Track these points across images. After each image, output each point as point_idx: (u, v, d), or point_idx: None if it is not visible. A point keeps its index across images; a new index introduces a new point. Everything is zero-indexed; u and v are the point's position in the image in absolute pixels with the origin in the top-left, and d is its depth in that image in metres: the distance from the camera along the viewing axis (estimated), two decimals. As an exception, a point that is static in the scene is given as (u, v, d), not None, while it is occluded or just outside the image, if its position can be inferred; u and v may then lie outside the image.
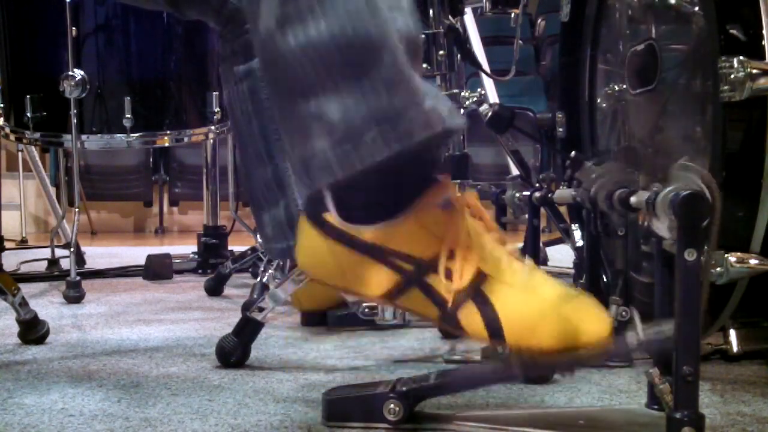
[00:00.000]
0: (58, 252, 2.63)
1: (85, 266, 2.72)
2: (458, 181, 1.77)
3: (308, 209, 0.90)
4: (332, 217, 0.88)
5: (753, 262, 1.08)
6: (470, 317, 0.84)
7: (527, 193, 1.55)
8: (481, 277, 0.85)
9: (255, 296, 1.74)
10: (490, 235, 0.88)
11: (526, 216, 1.57)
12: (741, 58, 1.05)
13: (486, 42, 2.65)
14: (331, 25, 0.81)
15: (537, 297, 0.84)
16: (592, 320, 0.84)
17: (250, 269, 2.41)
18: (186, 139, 2.32)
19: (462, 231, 0.86)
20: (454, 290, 0.85)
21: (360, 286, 0.88)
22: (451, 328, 0.86)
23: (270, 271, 1.81)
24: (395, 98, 0.83)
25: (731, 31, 1.09)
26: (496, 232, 0.88)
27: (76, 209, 2.26)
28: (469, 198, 0.88)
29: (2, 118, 2.26)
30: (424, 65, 1.61)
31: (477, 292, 0.85)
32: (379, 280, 0.87)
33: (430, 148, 0.87)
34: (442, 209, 0.86)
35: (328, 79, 0.83)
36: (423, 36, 0.86)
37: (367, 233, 0.87)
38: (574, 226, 1.54)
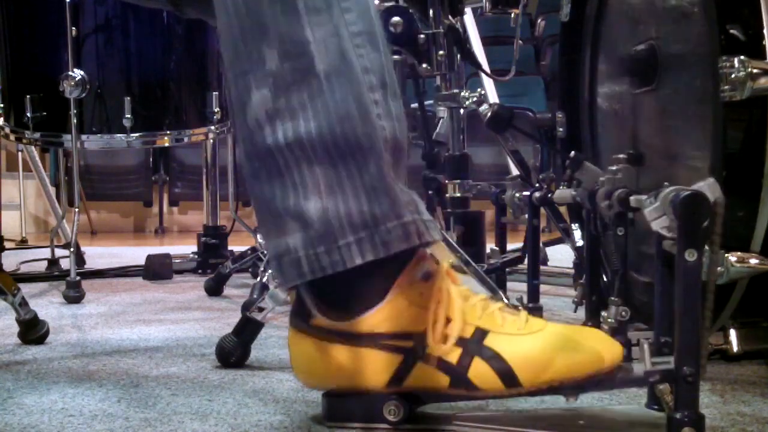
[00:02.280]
0: (58, 252, 2.63)
1: (85, 266, 2.72)
2: (458, 181, 1.77)
3: (294, 319, 0.90)
4: (319, 320, 0.88)
5: (753, 262, 1.08)
6: (481, 373, 0.84)
7: (527, 193, 1.55)
8: (481, 334, 0.85)
9: (255, 296, 1.74)
10: (476, 296, 0.88)
11: (526, 216, 1.57)
12: (741, 57, 1.05)
13: (486, 42, 2.66)
14: (322, 125, 0.82)
15: (542, 337, 0.85)
16: (603, 346, 0.84)
17: (250, 269, 2.41)
18: (186, 139, 2.32)
19: (449, 296, 0.86)
20: (459, 351, 0.85)
21: (364, 379, 0.87)
22: (465, 392, 0.86)
23: (270, 271, 1.80)
24: (375, 207, 0.83)
25: (731, 31, 1.09)
26: (477, 295, 0.89)
27: (76, 209, 2.26)
28: (445, 265, 0.88)
29: (2, 118, 2.26)
30: (424, 65, 1.61)
31: (481, 347, 0.85)
32: (381, 367, 0.86)
33: (404, 257, 0.87)
34: (424, 281, 0.87)
35: (310, 177, 0.83)
36: (407, 142, 0.86)
37: (358, 324, 0.87)
38: (574, 226, 1.54)
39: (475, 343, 0.85)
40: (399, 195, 0.84)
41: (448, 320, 0.86)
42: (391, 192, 0.84)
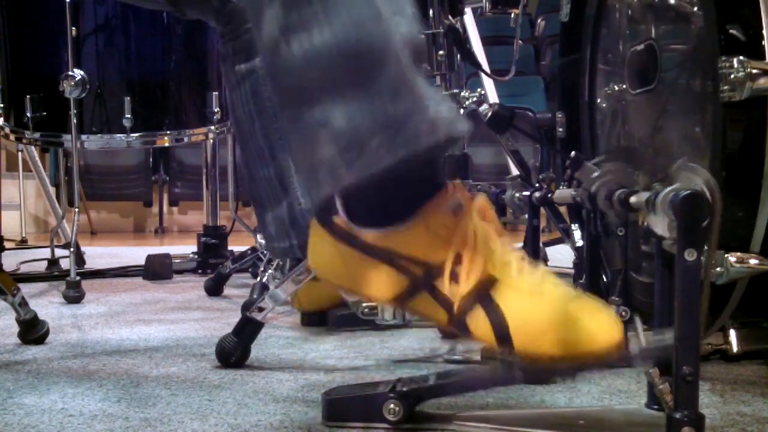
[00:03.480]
0: (58, 252, 2.63)
1: (85, 266, 2.72)
2: (458, 181, 1.77)
3: (318, 212, 0.91)
4: (342, 220, 0.88)
5: (753, 262, 1.08)
6: (478, 322, 0.84)
7: (527, 193, 1.55)
8: (489, 281, 0.85)
9: (255, 296, 1.74)
10: (501, 239, 0.87)
11: (526, 216, 1.57)
12: (741, 58, 1.05)
13: (486, 42, 2.65)
14: (336, 33, 0.82)
15: (546, 302, 0.84)
16: (603, 328, 0.83)
17: (250, 269, 2.41)
18: (186, 139, 2.32)
19: (470, 235, 0.86)
20: (461, 294, 0.84)
21: (369, 289, 0.88)
22: (459, 333, 0.85)
23: (270, 271, 1.81)
24: (399, 105, 0.83)
25: (731, 31, 1.09)
26: (506, 237, 0.88)
27: (76, 209, 2.26)
28: (479, 202, 0.88)
29: (2, 118, 2.26)
30: (425, 65, 1.61)
31: (485, 296, 0.84)
32: (388, 283, 0.87)
33: (436, 153, 0.87)
34: (452, 213, 0.86)
35: (332, 86, 0.83)
36: (424, 38, 0.86)
37: (376, 237, 0.87)
38: (574, 226, 1.54)
39: (481, 291, 0.85)
40: (422, 91, 0.84)
41: (461, 258, 0.85)
42: (414, 89, 0.83)
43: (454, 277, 0.85)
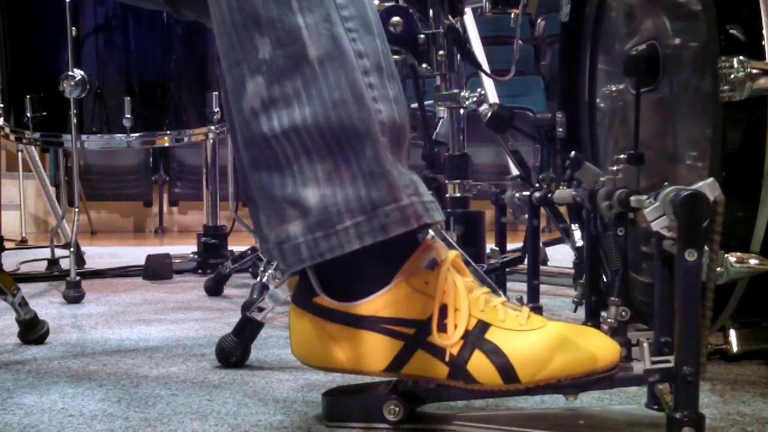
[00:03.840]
0: (58, 252, 2.63)
1: (85, 266, 2.73)
2: (458, 181, 1.77)
3: (297, 298, 0.90)
4: (323, 299, 0.88)
5: (753, 262, 1.08)
6: (481, 366, 0.84)
7: (527, 193, 1.55)
8: (483, 327, 0.85)
9: (255, 296, 1.74)
10: (480, 289, 0.88)
11: (526, 216, 1.57)
12: (741, 58, 1.05)
13: (486, 42, 2.66)
14: (317, 112, 0.82)
15: (542, 334, 0.85)
16: (602, 346, 0.84)
17: (250, 269, 2.41)
18: (186, 139, 2.32)
19: (453, 287, 0.86)
20: (457, 343, 0.85)
21: (363, 362, 0.88)
22: (463, 384, 0.85)
23: (270, 271, 1.80)
24: (373, 191, 0.83)
25: (731, 31, 1.09)
26: (483, 288, 0.89)
27: (76, 209, 2.26)
28: (453, 255, 0.88)
29: (2, 118, 2.26)
30: (424, 65, 1.61)
31: (482, 341, 0.85)
32: (381, 351, 0.87)
33: (405, 237, 0.87)
34: (429, 269, 0.87)
35: (307, 165, 0.83)
36: (404, 124, 0.86)
37: (361, 308, 0.87)
38: (574, 226, 1.54)
39: (476, 336, 0.85)
40: (397, 178, 0.84)
41: (447, 310, 0.86)
42: (389, 176, 0.84)
43: (443, 329, 0.86)
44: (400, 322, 0.86)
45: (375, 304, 0.87)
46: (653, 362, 0.82)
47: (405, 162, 0.87)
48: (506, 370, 0.84)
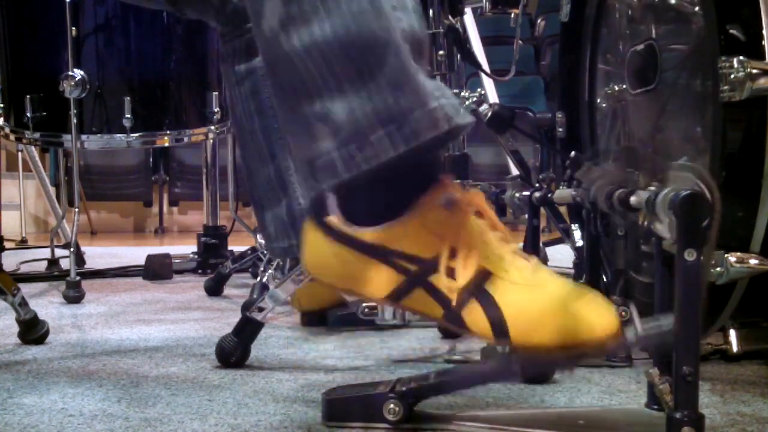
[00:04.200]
0: (58, 252, 2.63)
1: (85, 266, 2.73)
2: (458, 181, 1.77)
3: (312, 212, 0.90)
4: (335, 219, 0.88)
5: (753, 262, 1.08)
6: (475, 316, 0.84)
7: (527, 193, 1.55)
8: (484, 275, 0.85)
9: (255, 296, 1.74)
10: (494, 233, 0.87)
11: (526, 216, 1.57)
12: (741, 58, 1.05)
13: (486, 42, 2.66)
14: (335, 26, 0.82)
15: (541, 294, 0.84)
16: (599, 316, 0.83)
17: (250, 269, 2.41)
18: (186, 139, 2.32)
19: (464, 229, 0.86)
20: (456, 288, 0.84)
21: (364, 287, 0.88)
22: (455, 328, 0.85)
23: (270, 271, 1.81)
24: (401, 98, 0.83)
25: (731, 31, 1.09)
26: (501, 231, 0.88)
27: (76, 209, 2.26)
28: (474, 197, 0.88)
29: (2, 118, 2.26)
30: (425, 60, 1.61)
31: (481, 290, 0.84)
32: (382, 280, 0.87)
33: (436, 147, 0.87)
34: (445, 208, 0.86)
35: (332, 79, 0.83)
36: (426, 33, 0.86)
37: (369, 234, 0.87)
38: (574, 226, 1.54)
39: (476, 285, 0.84)
40: (423, 83, 0.84)
41: (456, 253, 0.85)
42: (415, 81, 0.83)
43: (449, 272, 0.85)
44: (405, 256, 0.86)
45: (382, 234, 0.86)
46: (645, 328, 0.81)
47: (426, 72, 0.86)
48: (499, 325, 0.83)
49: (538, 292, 0.84)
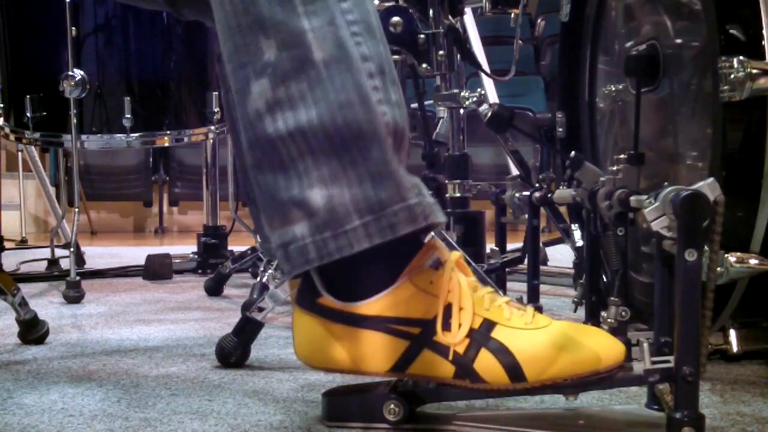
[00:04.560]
0: (58, 252, 2.63)
1: (85, 266, 2.72)
2: (458, 181, 1.78)
3: (300, 299, 0.90)
4: (327, 300, 0.88)
5: (753, 262, 1.08)
6: (487, 365, 0.85)
7: (527, 193, 1.55)
8: (489, 326, 0.86)
9: (255, 296, 1.74)
10: (485, 288, 0.89)
11: (526, 216, 1.57)
12: (741, 58, 1.05)
13: (486, 42, 2.66)
14: (322, 114, 0.82)
15: (547, 334, 0.85)
16: (604, 345, 0.85)
17: (250, 269, 2.41)
18: (186, 139, 2.32)
19: (457, 286, 0.87)
20: (464, 342, 0.85)
21: (368, 363, 0.88)
22: (469, 383, 0.86)
23: (270, 271, 1.80)
24: (381, 191, 0.83)
25: (731, 31, 1.09)
26: (487, 287, 0.89)
27: (76, 209, 2.26)
28: (456, 255, 0.89)
29: (2, 118, 2.26)
30: (424, 65, 1.61)
31: (488, 339, 0.85)
32: (386, 351, 0.87)
33: (409, 238, 0.87)
34: (434, 269, 0.87)
35: (313, 165, 0.83)
36: (407, 128, 0.87)
37: (366, 308, 0.87)
38: (574, 226, 1.54)
39: (482, 335, 0.85)
40: (403, 178, 0.85)
41: (452, 309, 0.86)
42: (396, 175, 0.84)
43: (448, 328, 0.86)
44: (405, 321, 0.86)
45: (380, 304, 0.87)
46: (653, 362, 0.82)
47: (405, 166, 0.87)
48: (513, 368, 0.84)
49: (543, 332, 0.85)
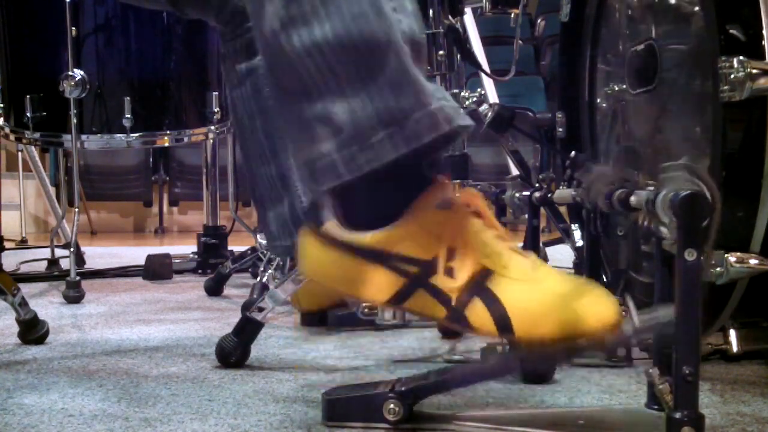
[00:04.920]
0: (58, 252, 2.63)
1: (85, 266, 2.72)
2: (458, 180, 1.77)
3: (308, 221, 0.91)
4: (331, 226, 0.88)
5: (753, 262, 1.08)
6: (478, 314, 0.84)
7: (527, 193, 1.55)
8: (485, 273, 0.85)
9: (255, 296, 1.74)
10: (491, 232, 0.87)
11: (526, 216, 1.57)
12: (741, 58, 1.05)
13: (486, 42, 2.65)
14: (336, 27, 0.82)
15: (542, 288, 0.84)
16: (599, 308, 0.83)
17: (250, 269, 2.41)
18: (186, 139, 2.32)
19: (461, 229, 0.86)
20: (458, 288, 0.85)
21: (365, 291, 0.88)
22: (458, 327, 0.86)
23: (270, 271, 1.81)
24: (402, 99, 0.83)
25: (731, 31, 1.09)
26: (498, 229, 0.88)
27: (76, 209, 2.26)
28: (471, 197, 0.88)
29: (2, 118, 2.26)
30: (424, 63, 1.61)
31: (482, 288, 0.85)
32: (383, 284, 0.87)
33: (436, 149, 0.87)
34: (441, 209, 0.86)
35: (333, 80, 0.83)
36: (425, 37, 0.86)
37: (368, 239, 0.87)
38: (574, 226, 1.54)
39: (478, 283, 0.85)
40: (424, 86, 0.84)
41: (454, 253, 0.86)
42: (415, 83, 0.84)
43: (449, 272, 0.85)
44: (404, 259, 0.86)
45: (382, 238, 0.86)
46: (642, 320, 0.81)
47: (425, 74, 0.86)
48: (502, 320, 0.83)
49: (540, 287, 0.84)
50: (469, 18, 2.45)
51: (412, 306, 0.87)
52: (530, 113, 1.77)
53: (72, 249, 2.10)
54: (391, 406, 0.88)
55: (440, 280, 0.85)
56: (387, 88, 0.83)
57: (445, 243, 0.86)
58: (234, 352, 1.23)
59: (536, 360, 0.85)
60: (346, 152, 0.83)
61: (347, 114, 0.83)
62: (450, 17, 1.66)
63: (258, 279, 1.84)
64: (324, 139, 0.84)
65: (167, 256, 2.59)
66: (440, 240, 0.86)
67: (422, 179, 0.87)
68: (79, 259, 2.59)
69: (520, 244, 1.82)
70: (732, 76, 1.05)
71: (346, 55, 0.82)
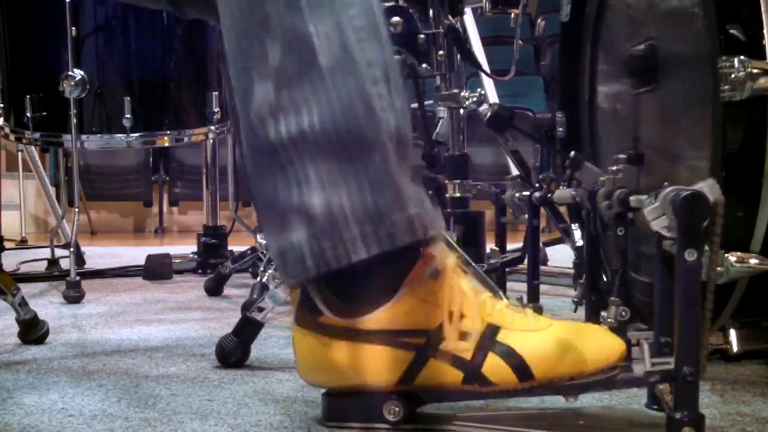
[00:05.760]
0: (58, 252, 2.63)
1: (85, 266, 2.72)
2: (458, 181, 1.77)
3: (300, 318, 0.90)
4: (327, 317, 0.88)
5: (753, 262, 1.08)
6: (495, 368, 0.85)
7: (527, 193, 1.55)
8: (493, 330, 0.86)
9: (255, 296, 1.74)
10: (485, 294, 0.89)
11: (526, 216, 1.57)
12: (741, 57, 1.05)
13: (486, 42, 2.66)
14: (324, 119, 0.81)
15: (549, 333, 0.86)
16: (608, 342, 0.86)
17: (249, 269, 2.41)
18: (186, 139, 2.32)
19: (459, 294, 0.87)
20: (471, 348, 0.85)
21: (374, 377, 0.87)
22: (478, 388, 0.86)
23: (270, 271, 1.80)
24: (380, 199, 0.83)
25: (731, 31, 1.09)
26: (490, 288, 0.90)
27: (76, 209, 2.26)
28: (453, 260, 0.88)
29: (2, 118, 2.26)
30: (424, 65, 1.61)
31: (494, 342, 0.86)
32: (392, 364, 0.86)
33: (408, 248, 0.86)
34: (433, 279, 0.87)
35: (314, 170, 0.82)
36: (411, 134, 0.86)
37: (368, 322, 0.87)
38: (574, 226, 1.54)
39: (488, 339, 0.86)
40: (404, 188, 0.84)
41: (457, 316, 0.86)
42: (396, 185, 0.84)
43: (458, 336, 0.86)
44: (409, 333, 0.86)
45: (383, 317, 0.86)
46: (653, 363, 0.82)
47: (409, 175, 0.86)
48: (521, 368, 0.85)
49: (547, 332, 0.86)
50: (469, 18, 2.46)
51: (426, 380, 0.87)
52: (530, 113, 1.77)
53: (72, 249, 2.10)
54: (391, 406, 0.88)
55: (452, 345, 0.86)
56: (366, 185, 0.82)
57: (446, 309, 0.86)
58: (234, 352, 1.23)
59: (551, 392, 0.87)
60: (315, 246, 0.82)
61: (323, 206, 0.82)
62: (450, 17, 1.66)
63: (258, 279, 1.83)
64: (296, 228, 0.83)
65: (167, 256, 2.59)
66: (440, 307, 0.86)
67: (413, 253, 0.87)
68: (79, 259, 2.59)
69: (521, 245, 1.82)
70: (732, 75, 1.05)
71: (330, 147, 0.82)
